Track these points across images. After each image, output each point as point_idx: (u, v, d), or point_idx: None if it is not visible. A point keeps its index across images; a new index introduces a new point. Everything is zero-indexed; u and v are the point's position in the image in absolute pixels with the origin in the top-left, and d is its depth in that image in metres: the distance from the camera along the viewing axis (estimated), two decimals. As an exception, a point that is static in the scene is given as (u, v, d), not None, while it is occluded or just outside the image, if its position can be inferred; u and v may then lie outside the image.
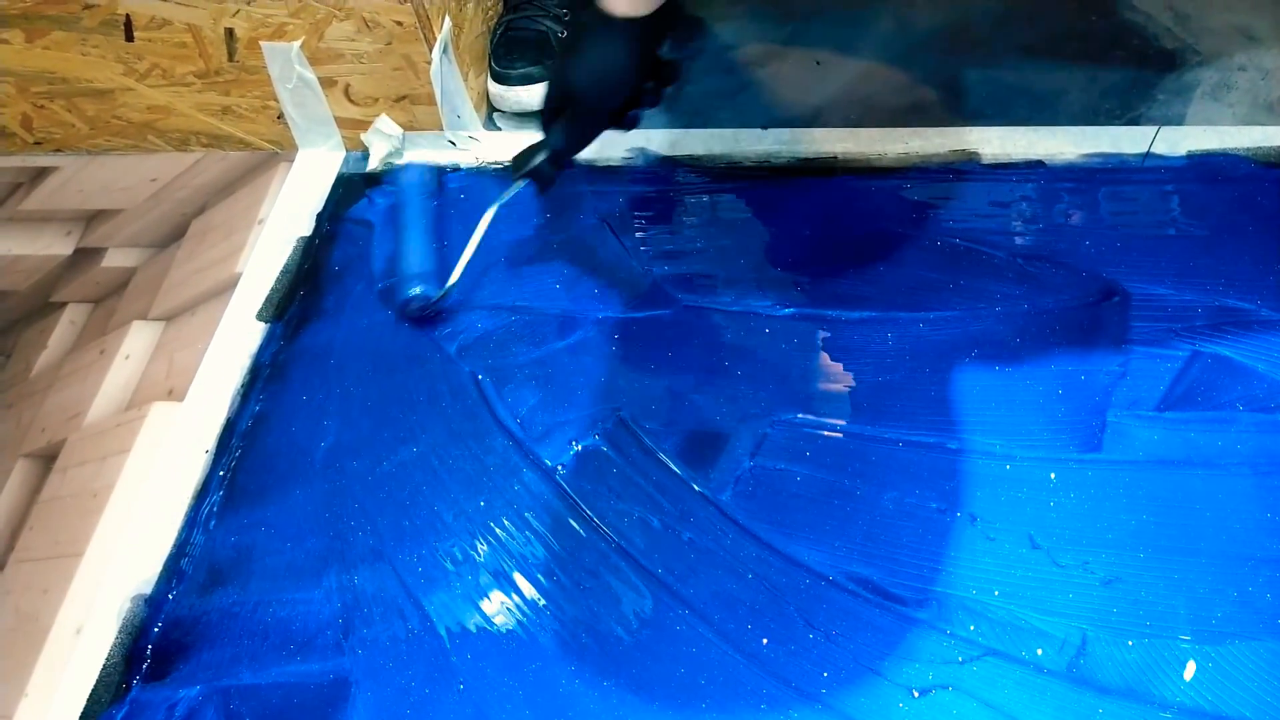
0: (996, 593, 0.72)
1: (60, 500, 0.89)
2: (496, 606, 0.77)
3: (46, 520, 0.88)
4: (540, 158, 0.87)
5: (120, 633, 0.79)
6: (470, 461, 0.86)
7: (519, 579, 0.78)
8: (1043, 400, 0.81)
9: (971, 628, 0.71)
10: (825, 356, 0.87)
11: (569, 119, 0.86)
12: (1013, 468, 0.78)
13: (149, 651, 0.78)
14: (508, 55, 1.12)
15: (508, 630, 0.76)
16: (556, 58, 0.88)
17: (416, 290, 0.96)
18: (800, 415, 0.84)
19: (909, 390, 0.83)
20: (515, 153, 0.89)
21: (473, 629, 0.76)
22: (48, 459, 0.92)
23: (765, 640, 0.73)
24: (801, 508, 0.79)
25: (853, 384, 0.85)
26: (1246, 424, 0.78)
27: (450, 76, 1.07)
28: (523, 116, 1.14)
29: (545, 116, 0.88)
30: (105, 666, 0.78)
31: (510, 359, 0.92)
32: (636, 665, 0.73)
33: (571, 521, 0.81)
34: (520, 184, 0.89)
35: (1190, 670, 0.67)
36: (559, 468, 0.84)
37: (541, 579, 0.78)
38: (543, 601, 0.77)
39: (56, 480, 0.90)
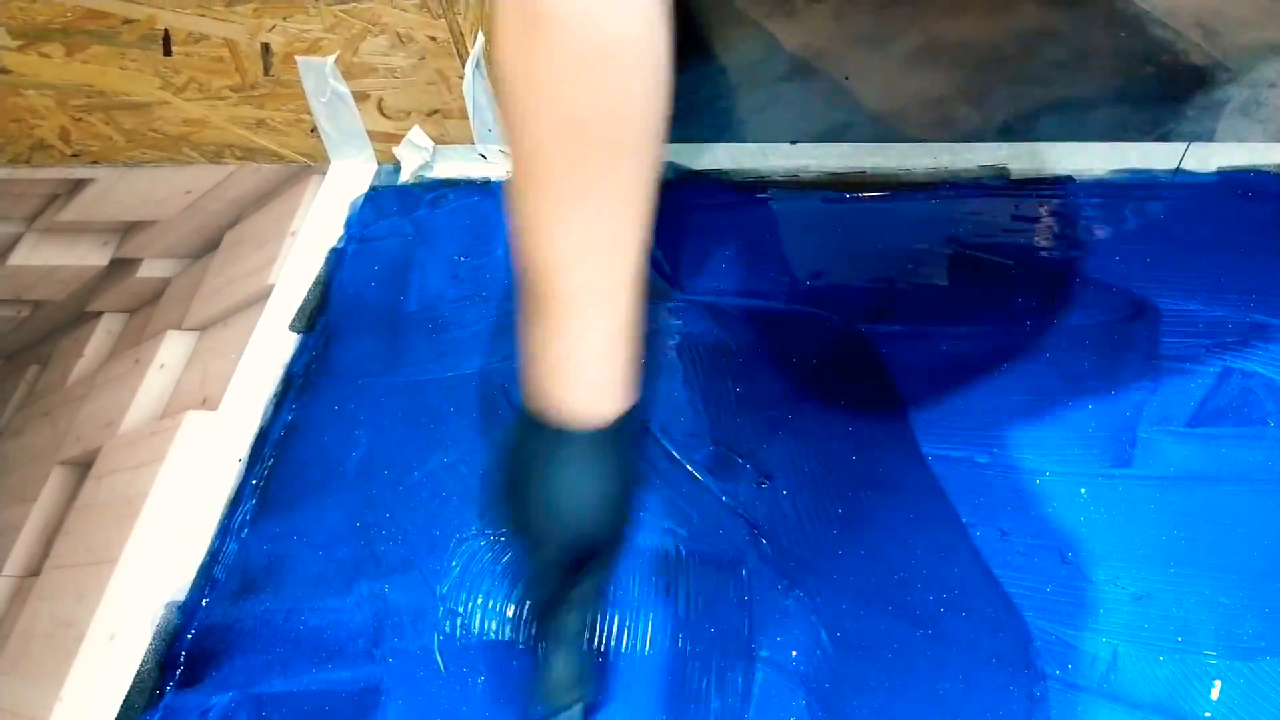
0: (1027, 608, 0.72)
1: (95, 507, 0.90)
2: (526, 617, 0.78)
3: (82, 527, 0.89)
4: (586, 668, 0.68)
5: (154, 639, 0.80)
6: (491, 471, 0.86)
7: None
8: (1072, 415, 0.81)
9: (1004, 646, 0.71)
10: (853, 370, 0.88)
11: (601, 572, 0.67)
12: (1043, 482, 0.78)
13: (182, 658, 0.79)
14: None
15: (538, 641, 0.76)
16: (536, 509, 0.63)
17: None
18: (828, 429, 0.84)
19: (937, 404, 0.84)
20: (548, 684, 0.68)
21: (503, 639, 0.77)
22: (83, 466, 0.93)
23: (794, 653, 0.73)
24: (828, 522, 0.79)
25: (881, 398, 0.85)
26: (1277, 439, 0.78)
27: (482, 91, 1.08)
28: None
29: (550, 592, 0.66)
30: (139, 672, 0.79)
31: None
32: (665, 677, 0.73)
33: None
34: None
35: (1217, 690, 0.67)
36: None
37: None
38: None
39: (91, 488, 0.91)
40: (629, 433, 0.63)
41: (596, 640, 0.73)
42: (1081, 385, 0.83)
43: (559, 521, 0.62)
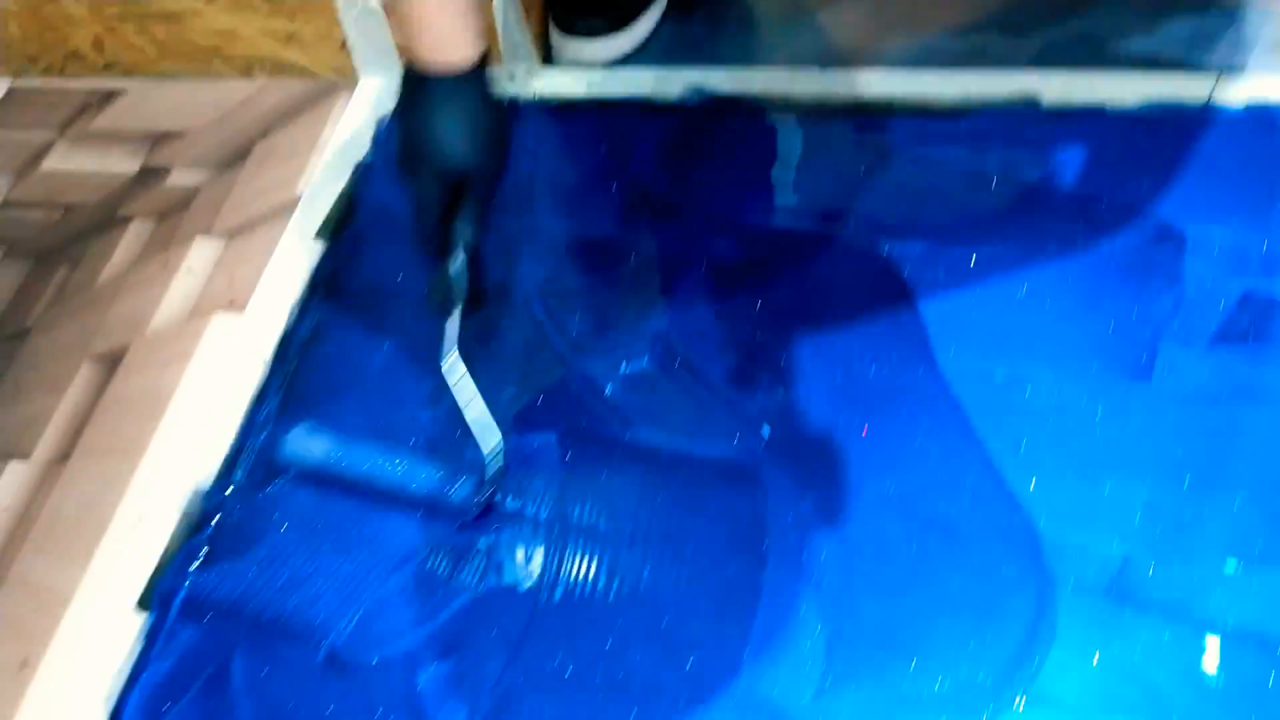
0: (1039, 514, 0.73)
1: (123, 400, 0.91)
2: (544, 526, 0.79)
3: (110, 419, 0.90)
4: (461, 272, 0.77)
5: (179, 524, 0.82)
6: (516, 378, 0.87)
7: (569, 498, 0.80)
8: (1092, 333, 0.81)
9: (1013, 549, 0.72)
10: (875, 288, 0.88)
11: (473, 202, 0.77)
12: (1060, 396, 0.78)
13: (206, 542, 0.81)
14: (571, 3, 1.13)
15: (553, 551, 0.77)
16: (411, 144, 0.76)
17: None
18: (848, 343, 0.85)
19: (957, 319, 0.84)
20: (430, 289, 0.79)
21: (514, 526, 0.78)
22: (111, 362, 0.95)
23: (805, 554, 0.74)
24: (844, 432, 0.80)
25: (901, 314, 0.85)
26: (1296, 362, 0.78)
27: (512, 9, 1.08)
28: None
29: (433, 219, 0.77)
30: (164, 555, 0.80)
31: (562, 284, 0.94)
32: (676, 577, 0.74)
33: (622, 445, 0.82)
34: (455, 318, 0.78)
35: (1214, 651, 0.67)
36: (609, 391, 0.85)
37: (591, 499, 0.79)
38: (592, 520, 0.78)
39: (120, 382, 0.93)
40: (480, 81, 0.75)
41: (475, 261, 0.79)
42: (1102, 304, 0.83)
43: (426, 151, 0.75)
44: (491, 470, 0.79)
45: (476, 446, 0.79)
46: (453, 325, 0.79)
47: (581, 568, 0.76)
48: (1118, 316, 0.82)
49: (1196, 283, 0.83)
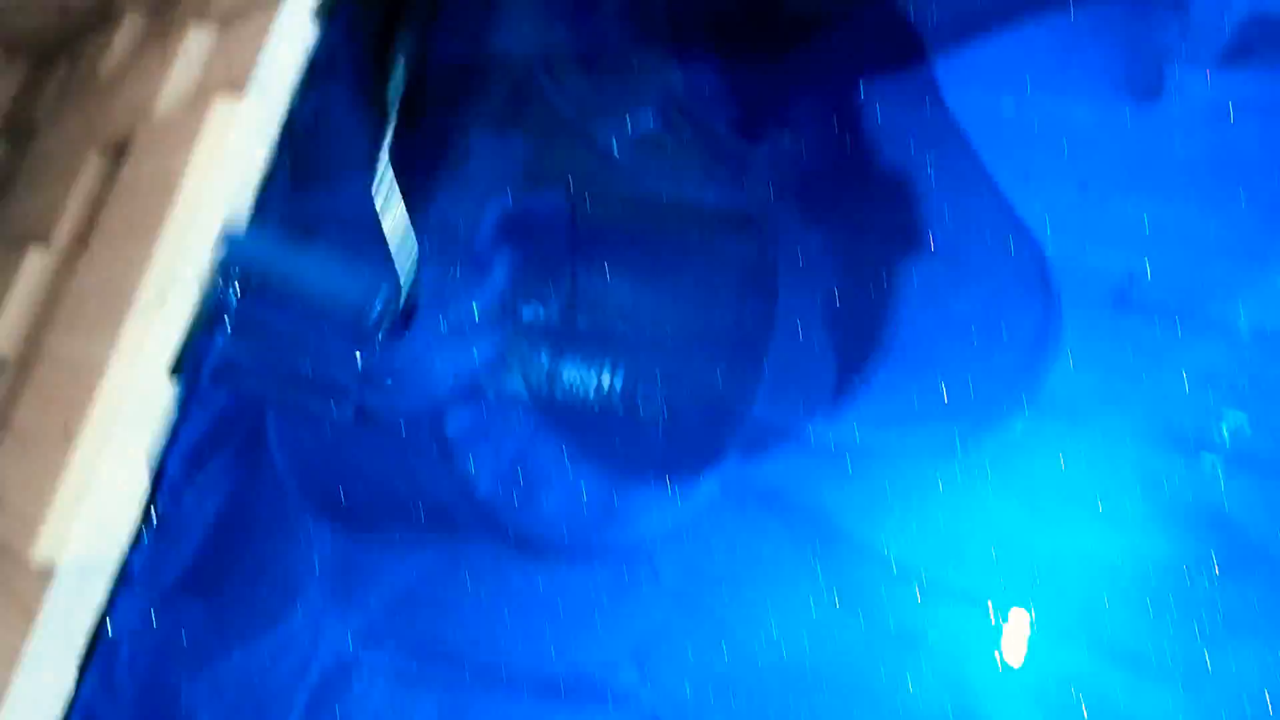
0: (1045, 235, 0.73)
1: (135, 186, 0.92)
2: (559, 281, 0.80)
3: (124, 203, 0.91)
4: (400, 72, 0.77)
5: (202, 296, 0.83)
6: (526, 144, 0.87)
7: (580, 257, 0.81)
8: (1101, 61, 0.80)
9: (1020, 271, 0.73)
10: (880, 33, 0.87)
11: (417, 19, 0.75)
12: (1067, 119, 0.78)
13: (230, 311, 0.83)
14: None
15: (570, 300, 0.79)
16: None
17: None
18: (850, 85, 0.84)
19: (961, 52, 0.83)
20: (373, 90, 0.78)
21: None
22: (119, 150, 0.95)
23: (817, 295, 0.75)
24: (850, 171, 0.80)
25: (904, 52, 0.84)
26: (1305, 77, 0.77)
27: None
28: None
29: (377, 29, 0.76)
30: (190, 326, 0.82)
31: (563, 49, 0.93)
32: (687, 314, 0.76)
33: (631, 201, 0.82)
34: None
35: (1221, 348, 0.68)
36: (615, 146, 0.85)
37: (603, 255, 0.80)
38: (607, 275, 0.79)
39: (129, 168, 0.93)
40: None
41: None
42: (1110, 33, 0.81)
43: None
44: (405, 283, 0.77)
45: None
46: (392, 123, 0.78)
47: (599, 321, 0.78)
48: (1125, 43, 0.81)
49: (1203, 5, 0.81)
